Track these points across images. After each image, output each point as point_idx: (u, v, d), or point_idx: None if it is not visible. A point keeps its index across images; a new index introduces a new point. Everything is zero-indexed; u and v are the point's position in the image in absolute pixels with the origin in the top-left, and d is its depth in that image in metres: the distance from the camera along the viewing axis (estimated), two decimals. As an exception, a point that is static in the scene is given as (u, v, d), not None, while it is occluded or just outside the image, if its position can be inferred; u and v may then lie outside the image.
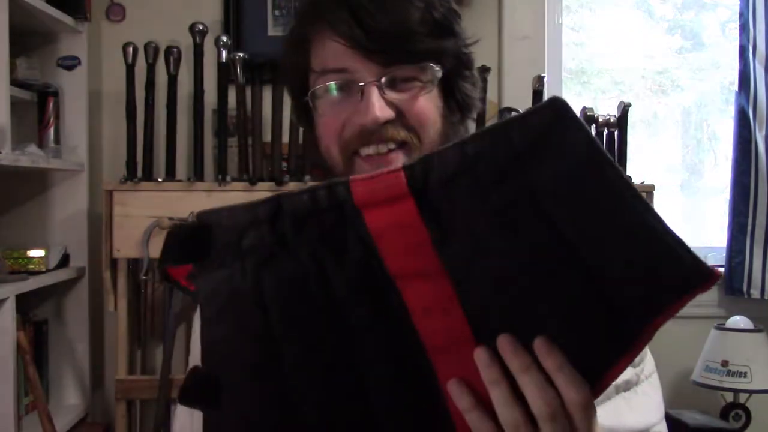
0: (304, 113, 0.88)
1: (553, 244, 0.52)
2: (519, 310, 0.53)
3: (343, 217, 0.55)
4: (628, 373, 0.83)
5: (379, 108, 0.79)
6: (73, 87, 2.20)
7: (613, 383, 0.79)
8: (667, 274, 0.50)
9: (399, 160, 0.80)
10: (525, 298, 0.53)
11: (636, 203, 0.51)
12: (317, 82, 0.83)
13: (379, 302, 0.55)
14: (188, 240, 0.58)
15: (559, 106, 0.52)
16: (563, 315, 0.52)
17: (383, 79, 0.79)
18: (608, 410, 0.78)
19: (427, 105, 0.82)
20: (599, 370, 0.53)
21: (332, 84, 0.81)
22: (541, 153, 0.52)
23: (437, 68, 0.82)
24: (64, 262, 2.16)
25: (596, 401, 0.78)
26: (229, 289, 0.57)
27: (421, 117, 0.81)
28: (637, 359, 0.85)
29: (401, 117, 0.81)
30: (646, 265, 0.50)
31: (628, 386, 0.83)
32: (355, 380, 0.56)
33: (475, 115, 0.90)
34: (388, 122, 0.80)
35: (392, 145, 0.81)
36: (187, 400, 0.59)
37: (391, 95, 0.80)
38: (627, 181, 0.51)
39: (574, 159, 0.51)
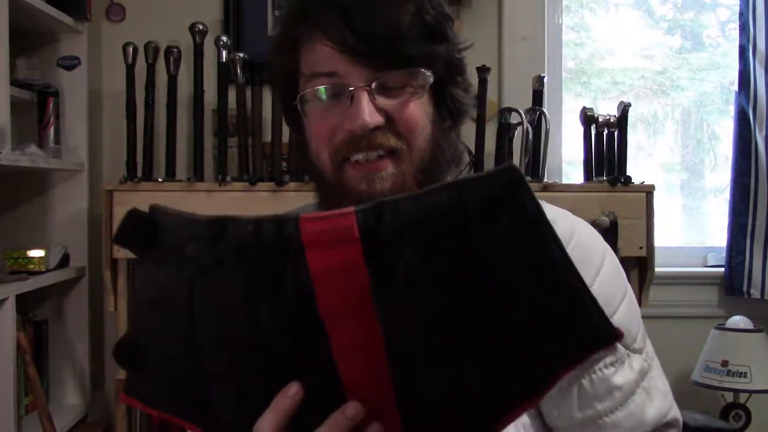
0: (293, 116, 0.87)
1: (485, 300, 0.55)
2: (440, 357, 0.56)
3: (284, 254, 0.55)
4: (638, 363, 0.83)
5: (368, 113, 0.78)
6: (73, 87, 2.21)
7: (634, 380, 0.82)
8: (580, 332, 0.56)
9: (388, 167, 0.80)
10: (448, 348, 0.56)
11: (567, 270, 0.56)
12: (306, 86, 0.82)
13: (305, 339, 0.57)
14: (139, 228, 0.59)
15: (512, 172, 0.55)
16: (479, 359, 0.56)
17: (373, 84, 0.78)
18: (633, 410, 0.81)
19: (417, 111, 0.81)
20: (502, 411, 0.58)
21: (322, 88, 0.80)
22: (490, 215, 0.55)
23: (428, 74, 0.81)
24: (64, 262, 2.16)
25: (622, 401, 0.82)
26: (165, 288, 0.59)
27: (411, 123, 0.80)
28: (639, 345, 0.84)
29: (391, 123, 0.80)
30: (564, 323, 0.56)
31: (643, 375, 0.83)
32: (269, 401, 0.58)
33: (470, 119, 0.90)
34: (377, 128, 0.79)
35: (382, 152, 0.80)
36: (117, 359, 0.63)
37: (381, 101, 0.79)
38: (563, 248, 0.56)
39: (521, 224, 0.55)
